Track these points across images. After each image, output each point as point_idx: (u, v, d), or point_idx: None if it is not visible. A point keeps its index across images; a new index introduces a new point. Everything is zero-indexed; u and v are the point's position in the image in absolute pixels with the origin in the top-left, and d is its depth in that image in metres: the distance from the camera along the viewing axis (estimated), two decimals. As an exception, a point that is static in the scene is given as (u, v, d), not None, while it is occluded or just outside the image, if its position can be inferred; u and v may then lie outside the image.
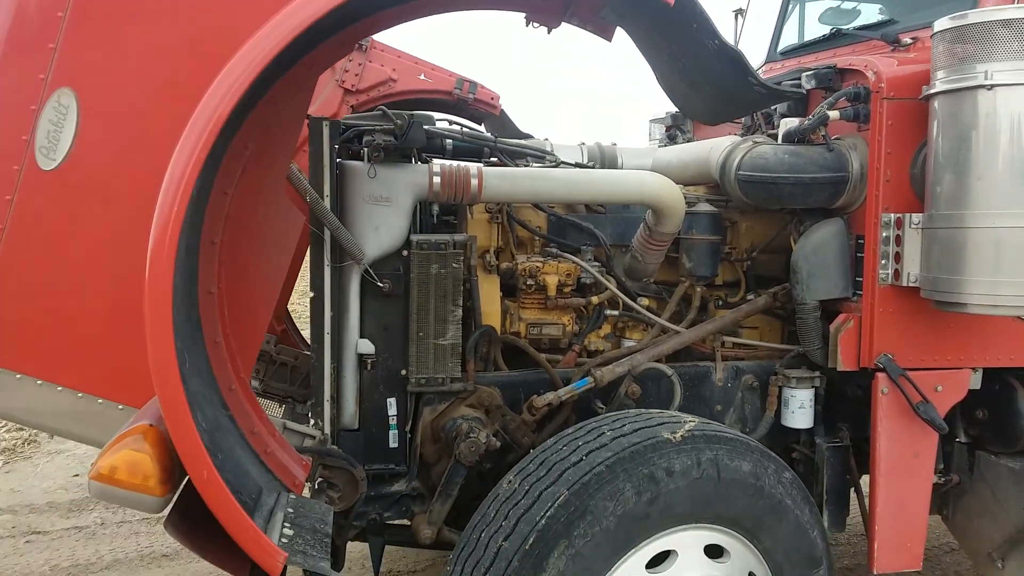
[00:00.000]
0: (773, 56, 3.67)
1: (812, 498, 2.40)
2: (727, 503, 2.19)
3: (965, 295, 2.33)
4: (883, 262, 2.58)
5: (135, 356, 1.84)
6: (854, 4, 3.72)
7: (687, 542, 2.16)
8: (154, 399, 1.86)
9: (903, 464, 2.64)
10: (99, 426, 2.06)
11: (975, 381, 2.74)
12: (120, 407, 2.08)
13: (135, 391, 2.03)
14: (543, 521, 1.99)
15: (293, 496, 2.08)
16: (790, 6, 3.67)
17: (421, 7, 2.26)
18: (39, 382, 2.07)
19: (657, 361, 2.83)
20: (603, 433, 2.18)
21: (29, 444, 6.37)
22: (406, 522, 2.76)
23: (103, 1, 2.01)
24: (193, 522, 1.88)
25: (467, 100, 3.71)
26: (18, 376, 2.06)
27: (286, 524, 1.91)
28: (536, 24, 2.40)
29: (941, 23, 2.38)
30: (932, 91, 2.40)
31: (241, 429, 2.06)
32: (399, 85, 3.66)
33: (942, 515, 3.26)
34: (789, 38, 3.85)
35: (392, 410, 2.67)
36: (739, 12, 4.33)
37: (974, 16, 2.30)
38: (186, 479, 1.81)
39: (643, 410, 2.39)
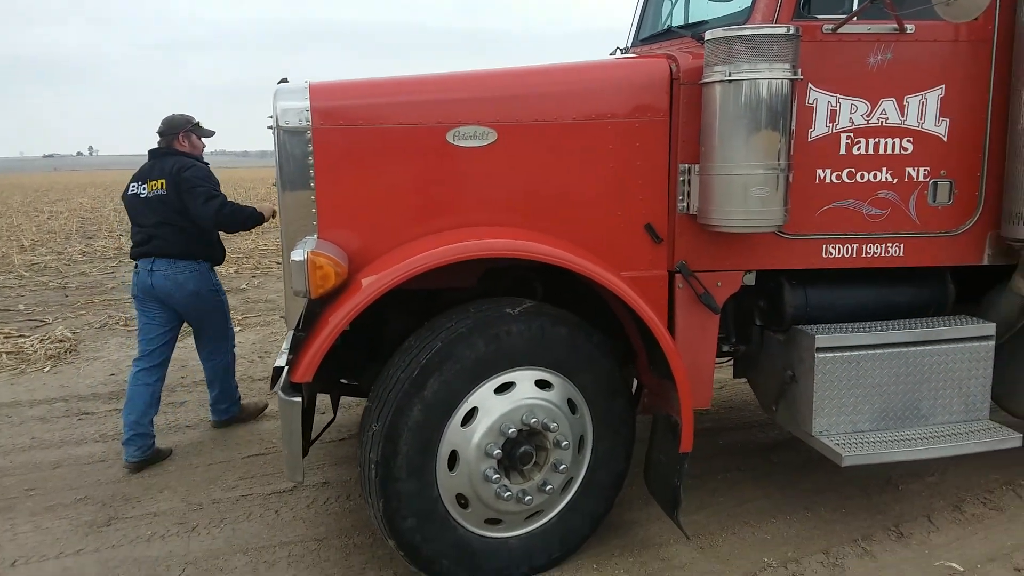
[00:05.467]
0: (635, 42, 4.74)
1: (615, 354, 3.61)
2: (549, 354, 3.40)
3: (715, 220, 3.49)
4: (680, 198, 3.70)
5: None
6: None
7: (522, 377, 3.37)
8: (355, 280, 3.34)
9: (694, 335, 3.81)
10: None
11: (749, 280, 3.87)
12: None
13: None
14: (424, 360, 3.20)
15: None
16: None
17: None
18: None
19: None
20: (469, 310, 3.39)
21: (70, 352, 7.66)
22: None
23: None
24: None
25: None
26: None
27: None
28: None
29: (708, 34, 3.47)
30: (701, 81, 3.51)
31: None
32: None
33: (746, 378, 4.50)
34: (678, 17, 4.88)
35: None
36: None
37: (722, 32, 3.38)
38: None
39: (501, 298, 3.56)
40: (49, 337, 8.05)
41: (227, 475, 4.70)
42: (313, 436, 4.04)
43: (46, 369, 7.14)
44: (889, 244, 3.86)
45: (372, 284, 3.20)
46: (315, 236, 3.49)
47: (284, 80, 3.82)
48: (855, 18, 3.60)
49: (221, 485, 4.56)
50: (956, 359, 3.81)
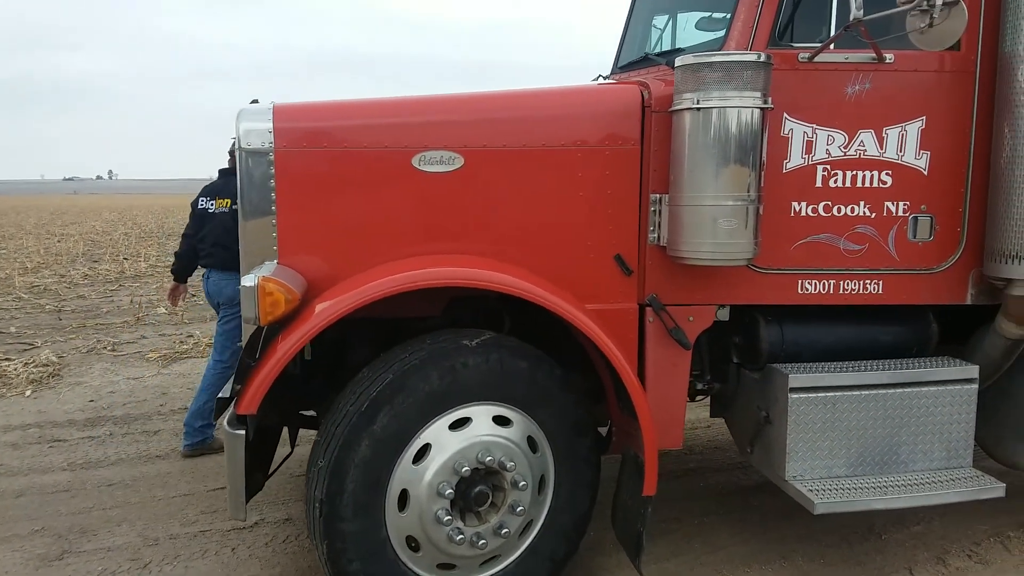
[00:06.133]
0: (615, 69, 4.66)
1: (579, 389, 3.47)
2: (508, 388, 3.26)
3: (684, 252, 3.37)
4: (651, 228, 3.59)
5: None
6: (723, 14, 4.69)
7: (479, 412, 3.23)
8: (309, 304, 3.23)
9: (664, 372, 3.67)
10: None
11: (723, 315, 3.75)
12: None
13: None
14: (374, 393, 3.07)
15: None
16: (631, 25, 4.65)
17: None
18: None
19: None
20: (425, 341, 3.27)
21: (53, 376, 7.57)
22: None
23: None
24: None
25: None
26: None
27: None
28: None
29: (679, 61, 3.37)
30: (671, 108, 3.41)
31: None
32: None
33: (723, 417, 4.34)
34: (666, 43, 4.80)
35: None
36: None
37: (692, 58, 3.29)
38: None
39: (460, 329, 3.44)
40: (34, 361, 7.97)
41: (188, 509, 4.56)
42: (271, 469, 3.92)
43: (27, 393, 7.04)
44: (868, 281, 3.71)
45: (323, 312, 3.09)
46: (275, 261, 3.40)
47: (255, 101, 3.76)
48: (832, 46, 3.50)
49: (181, 519, 4.42)
50: (938, 403, 3.64)
